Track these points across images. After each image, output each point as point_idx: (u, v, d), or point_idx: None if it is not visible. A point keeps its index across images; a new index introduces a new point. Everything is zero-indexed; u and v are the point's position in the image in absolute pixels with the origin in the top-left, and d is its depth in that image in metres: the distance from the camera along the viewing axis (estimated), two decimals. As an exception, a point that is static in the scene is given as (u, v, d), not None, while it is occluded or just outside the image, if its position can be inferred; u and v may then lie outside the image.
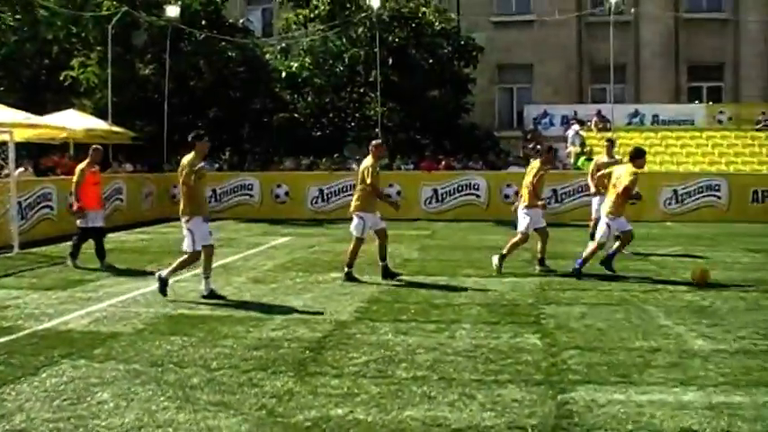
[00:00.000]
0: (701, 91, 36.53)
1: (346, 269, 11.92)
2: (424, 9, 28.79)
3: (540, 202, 12.64)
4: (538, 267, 12.69)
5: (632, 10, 33.41)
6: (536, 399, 6.13)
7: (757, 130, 29.62)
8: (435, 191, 23.73)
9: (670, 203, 23.19)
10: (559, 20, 33.68)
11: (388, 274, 12.01)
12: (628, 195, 11.90)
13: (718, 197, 23.21)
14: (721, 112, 32.29)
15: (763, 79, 35.86)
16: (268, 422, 5.63)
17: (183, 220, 10.24)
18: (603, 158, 15.72)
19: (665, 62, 36.08)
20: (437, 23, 29.16)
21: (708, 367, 7.00)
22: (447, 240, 17.60)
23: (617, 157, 16.41)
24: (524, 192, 12.56)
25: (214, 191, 23.57)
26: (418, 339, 8.02)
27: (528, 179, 12.53)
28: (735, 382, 6.55)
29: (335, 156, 26.74)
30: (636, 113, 31.74)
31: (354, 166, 25.58)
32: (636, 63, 36.21)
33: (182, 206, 10.36)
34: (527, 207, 12.49)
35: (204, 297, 10.20)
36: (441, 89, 29.37)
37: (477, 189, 23.68)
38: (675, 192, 23.25)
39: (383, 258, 12.09)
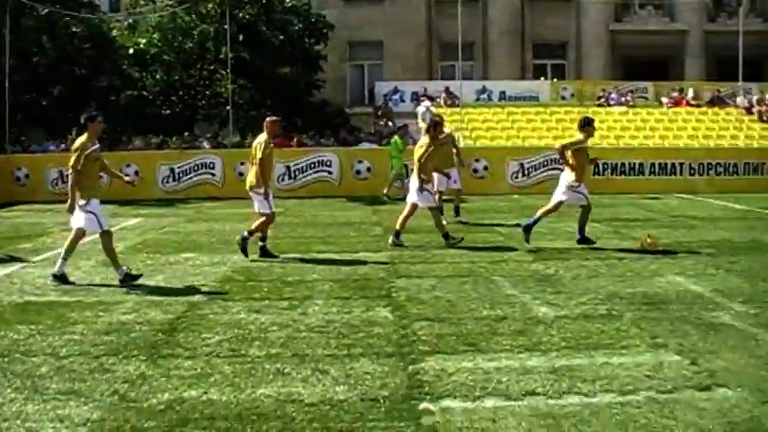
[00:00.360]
0: (545, 68, 37.79)
1: (260, 243, 11.88)
2: (273, -15, 28.52)
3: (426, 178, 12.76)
4: (392, 239, 12.83)
5: (480, -11, 34.16)
6: (388, 370, 6.23)
7: (598, 105, 30.88)
8: (288, 168, 23.57)
9: (517, 177, 23.95)
10: (410, -2, 34.10)
11: (265, 253, 11.87)
12: (579, 166, 12.58)
13: (562, 169, 24.05)
14: (565, 89, 33.46)
15: (603, 57, 37.46)
16: (120, 408, 5.50)
17: (81, 203, 9.85)
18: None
19: (511, 40, 37.12)
20: (287, 0, 28.95)
21: (551, 333, 7.30)
22: (299, 218, 17.56)
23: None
24: (415, 168, 12.75)
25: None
26: (271, 317, 8.00)
27: (417, 155, 12.68)
28: (576, 346, 6.86)
29: (186, 134, 26.16)
30: (483, 90, 32.38)
31: (206, 144, 25.24)
32: (484, 41, 37.08)
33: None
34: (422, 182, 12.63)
35: (54, 277, 9.83)
36: (292, 66, 29.22)
37: (330, 166, 23.70)
38: (522, 165, 24.03)
39: (263, 239, 11.97)
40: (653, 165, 24.74)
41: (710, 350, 6.75)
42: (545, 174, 23.93)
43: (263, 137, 11.75)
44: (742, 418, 5.23)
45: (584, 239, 12.80)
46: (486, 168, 23.56)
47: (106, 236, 10.02)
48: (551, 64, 38.08)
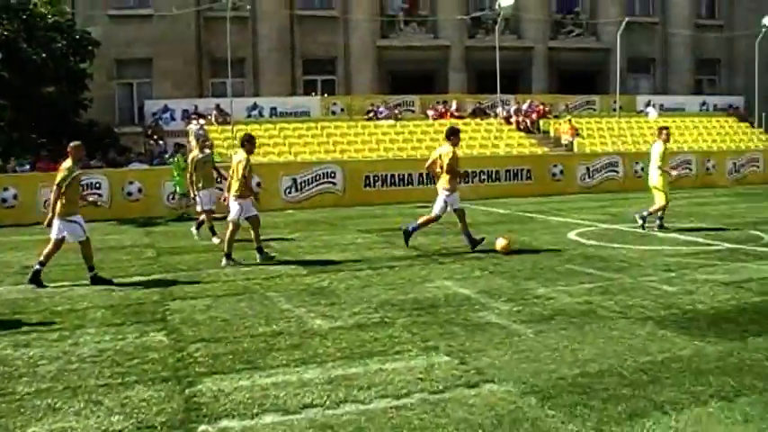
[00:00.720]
0: (316, 84, 38.24)
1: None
2: (34, 0, 27.08)
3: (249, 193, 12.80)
4: (258, 257, 12.77)
5: (248, 6, 34.08)
6: (164, 396, 6.08)
7: (368, 119, 31.66)
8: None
9: (290, 191, 24.09)
10: (178, 14, 33.44)
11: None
12: (452, 171, 13.01)
13: (334, 183, 24.59)
14: (335, 104, 34.01)
15: (371, 72, 38.45)
16: None
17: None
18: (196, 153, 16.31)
19: (281, 57, 37.29)
20: (50, 16, 27.59)
21: (326, 344, 7.39)
22: (67, 243, 16.70)
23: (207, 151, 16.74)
24: (234, 183, 12.56)
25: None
26: (40, 350, 7.56)
27: (239, 172, 12.45)
28: (351, 356, 6.99)
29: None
30: (255, 106, 32.31)
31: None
32: (254, 57, 37.00)
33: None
34: (238, 197, 12.48)
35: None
36: (56, 85, 27.83)
37: (99, 188, 22.68)
38: (295, 180, 24.20)
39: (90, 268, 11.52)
40: (421, 175, 25.65)
41: (478, 348, 7.09)
42: (317, 188, 24.26)
43: (66, 163, 11.19)
44: (507, 409, 5.54)
45: (472, 241, 13.45)
46: (259, 185, 23.47)
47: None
48: (321, 79, 38.62)
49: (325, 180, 24.56)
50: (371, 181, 25.16)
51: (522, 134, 31.99)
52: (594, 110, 37.36)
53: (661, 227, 15.72)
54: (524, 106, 34.18)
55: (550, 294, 9.51)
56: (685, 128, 34.28)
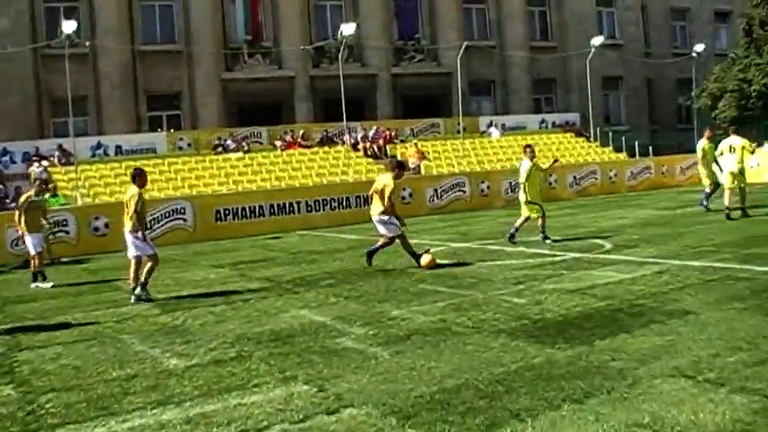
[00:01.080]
0: (161, 119, 37.66)
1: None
2: None
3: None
4: (139, 293, 12.40)
5: (87, 43, 33.21)
6: (11, 451, 5.80)
7: (216, 153, 31.36)
8: None
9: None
10: (14, 52, 32.21)
11: None
12: (390, 201, 13.73)
13: (185, 219, 24.17)
14: (181, 139, 33.56)
15: (217, 106, 38.09)
16: None
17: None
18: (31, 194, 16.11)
19: (124, 93, 36.61)
20: None
21: (183, 383, 7.21)
22: None
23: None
24: (126, 218, 12.37)
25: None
26: None
27: (132, 207, 12.24)
28: (209, 393, 6.83)
29: None
30: (99, 145, 31.52)
31: None
32: (96, 95, 36.14)
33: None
34: (133, 232, 12.34)
35: None
36: None
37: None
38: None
39: None
40: (272, 206, 25.59)
41: (336, 375, 7.09)
42: (168, 225, 23.78)
43: None
44: (368, 432, 5.56)
45: (416, 256, 14.05)
46: (107, 226, 22.77)
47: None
48: (167, 115, 38.09)
49: (175, 216, 24.10)
50: (222, 215, 24.86)
51: (371, 160, 32.44)
52: (439, 132, 38.37)
53: (546, 238, 16.28)
54: (371, 132, 34.72)
55: (405, 315, 9.63)
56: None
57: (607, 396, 5.93)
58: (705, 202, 20.41)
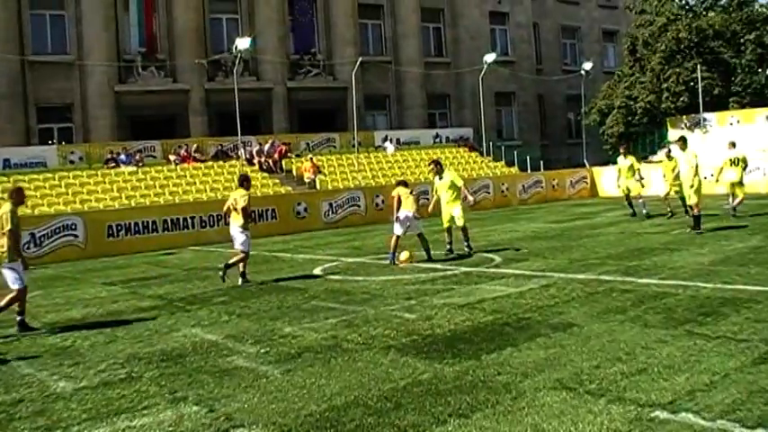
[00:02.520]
0: (52, 132, 36.64)
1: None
2: None
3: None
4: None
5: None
6: None
7: (108, 167, 30.72)
8: None
9: (29, 247, 22.81)
10: None
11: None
12: (247, 213, 14.22)
13: (76, 235, 23.62)
14: (73, 153, 32.73)
15: (110, 118, 37.36)
16: None
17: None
18: None
19: (13, 104, 35.43)
20: None
21: (71, 407, 7.10)
22: None
23: None
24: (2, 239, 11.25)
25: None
26: None
27: (6, 225, 11.13)
28: (97, 416, 6.75)
29: None
30: (-11, 160, 30.52)
31: None
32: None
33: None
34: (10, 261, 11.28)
35: None
36: None
37: None
38: (33, 235, 22.98)
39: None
40: (166, 221, 25.27)
41: (226, 394, 7.10)
42: (58, 241, 23.21)
43: None
44: (258, 453, 5.61)
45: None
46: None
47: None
48: (58, 127, 37.04)
49: (66, 233, 23.53)
50: (115, 230, 24.42)
51: (266, 174, 32.36)
52: (335, 147, 38.52)
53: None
54: (266, 147, 34.61)
55: (296, 332, 9.69)
56: (421, 160, 36.05)
57: (492, 410, 6.12)
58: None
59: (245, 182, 14.90)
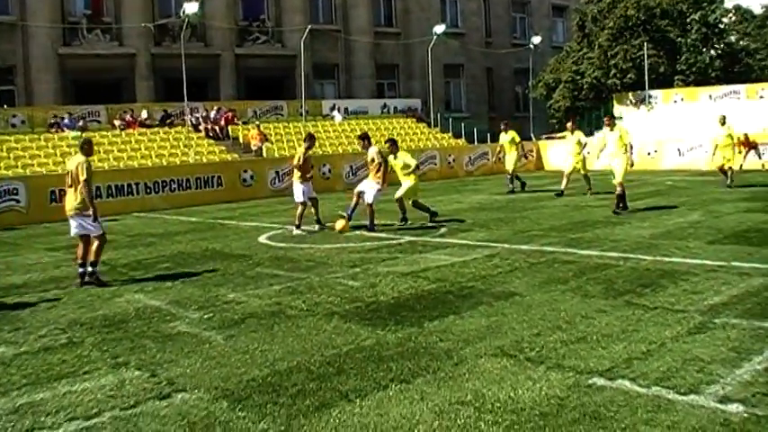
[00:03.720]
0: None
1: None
2: None
3: None
4: None
5: None
6: None
7: (52, 131, 30.17)
8: None
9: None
10: None
11: None
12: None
13: (18, 201, 23.21)
14: (15, 116, 31.99)
15: (54, 82, 36.67)
16: None
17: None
18: None
19: (-49, 66, 34.60)
20: None
21: (11, 372, 7.02)
22: None
23: None
24: None
25: None
26: None
27: None
28: (37, 381, 6.69)
29: None
30: None
31: None
32: None
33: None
34: None
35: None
36: None
37: None
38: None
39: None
40: (110, 186, 24.93)
41: (169, 360, 7.10)
42: (2, 205, 22.80)
43: None
44: (200, 416, 5.62)
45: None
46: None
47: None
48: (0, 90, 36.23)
49: (8, 198, 23.09)
50: (58, 196, 23.94)
51: (212, 141, 32.06)
52: (282, 115, 38.26)
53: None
54: (213, 113, 34.28)
55: (240, 299, 9.69)
56: (369, 129, 35.95)
57: (433, 376, 6.21)
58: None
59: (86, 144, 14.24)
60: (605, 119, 18.49)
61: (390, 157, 17.01)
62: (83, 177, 11.26)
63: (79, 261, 11.51)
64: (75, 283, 11.43)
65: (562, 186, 22.12)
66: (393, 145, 17.18)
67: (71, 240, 17.42)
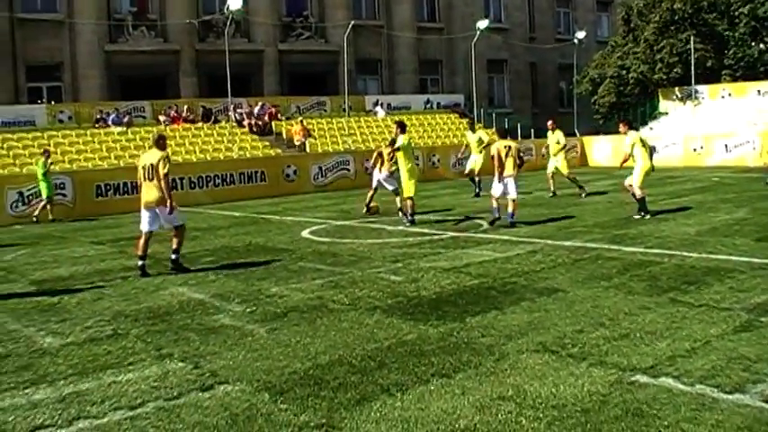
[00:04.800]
0: (41, 91, 36.38)
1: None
2: None
3: None
4: None
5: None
6: None
7: (98, 126, 30.55)
8: None
9: (17, 206, 22.81)
10: None
11: None
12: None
13: (65, 194, 23.58)
14: (62, 112, 32.46)
15: (100, 78, 37.16)
16: None
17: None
18: None
19: (2, 63, 35.17)
20: None
21: (58, 362, 7.14)
22: None
23: None
24: None
25: None
26: None
27: None
28: (83, 371, 6.80)
29: None
30: (-26, 119, 30.24)
31: None
32: (-29, 65, 34.71)
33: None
34: None
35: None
36: None
37: None
38: (22, 194, 22.94)
39: None
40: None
41: (212, 352, 7.16)
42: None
43: None
44: (241, 408, 5.66)
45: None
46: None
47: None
48: (47, 86, 36.77)
49: (55, 192, 23.43)
50: (103, 190, 24.35)
51: (255, 137, 32.24)
52: (325, 110, 38.36)
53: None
54: (256, 109, 34.44)
55: (283, 293, 9.75)
56: (411, 125, 35.95)
57: (474, 371, 6.19)
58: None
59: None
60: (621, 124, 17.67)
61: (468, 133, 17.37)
62: (163, 171, 11.52)
63: (139, 254, 11.72)
64: (136, 274, 11.65)
65: (551, 188, 21.77)
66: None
67: (116, 234, 17.77)
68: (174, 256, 11.89)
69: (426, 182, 27.91)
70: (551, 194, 21.47)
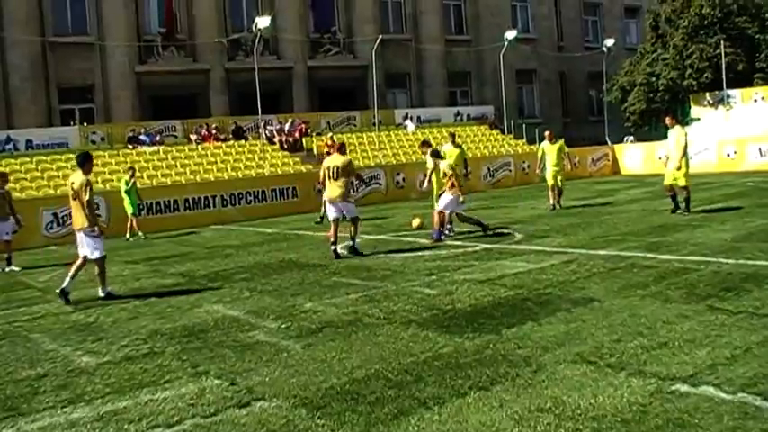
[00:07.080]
0: (73, 113, 36.84)
1: None
2: None
3: None
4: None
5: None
6: None
7: (130, 147, 30.83)
8: None
9: (52, 227, 23.06)
10: None
11: None
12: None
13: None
14: (94, 133, 32.80)
15: (131, 99, 37.57)
16: None
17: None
18: None
19: (35, 85, 35.71)
20: None
21: (95, 381, 7.17)
22: None
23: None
24: None
25: None
26: None
27: None
28: (120, 390, 6.82)
29: None
30: (8, 140, 30.55)
31: None
32: (5, 87, 35.16)
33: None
34: None
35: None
36: None
37: None
38: (56, 215, 23.18)
39: None
40: (187, 200, 25.40)
41: (248, 368, 7.16)
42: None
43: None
44: (279, 424, 5.63)
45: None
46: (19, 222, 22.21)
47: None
48: (79, 108, 37.24)
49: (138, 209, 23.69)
50: (146, 209, 24.56)
51: (286, 153, 32.38)
52: (355, 125, 38.46)
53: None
54: (287, 125, 34.62)
55: (317, 308, 9.75)
56: (442, 138, 35.90)
57: (512, 383, 6.13)
58: None
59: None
60: (667, 119, 17.68)
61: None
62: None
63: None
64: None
65: (551, 201, 21.44)
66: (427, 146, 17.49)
67: (150, 253, 17.88)
68: (351, 243, 13.94)
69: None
70: (552, 208, 21.18)
